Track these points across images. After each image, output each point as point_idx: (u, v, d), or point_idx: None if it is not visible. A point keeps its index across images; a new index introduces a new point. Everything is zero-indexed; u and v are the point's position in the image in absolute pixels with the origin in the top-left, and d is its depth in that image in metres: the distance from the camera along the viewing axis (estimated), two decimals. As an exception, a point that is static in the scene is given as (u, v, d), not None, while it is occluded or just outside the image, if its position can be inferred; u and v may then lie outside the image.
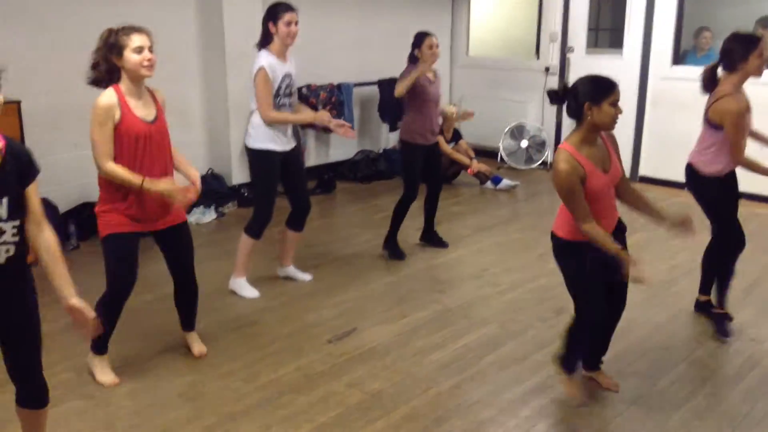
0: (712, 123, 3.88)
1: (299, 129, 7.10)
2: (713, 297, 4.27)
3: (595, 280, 3.14)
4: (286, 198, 4.68)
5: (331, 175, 7.54)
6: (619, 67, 7.58)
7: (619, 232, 3.21)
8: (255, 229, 4.54)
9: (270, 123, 4.34)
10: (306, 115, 4.61)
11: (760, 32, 6.91)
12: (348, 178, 7.79)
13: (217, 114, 6.71)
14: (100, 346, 3.56)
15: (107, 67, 3.29)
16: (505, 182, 7.48)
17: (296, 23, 4.32)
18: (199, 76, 6.68)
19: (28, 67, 5.41)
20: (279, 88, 4.34)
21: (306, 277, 4.92)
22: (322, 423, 3.23)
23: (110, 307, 3.46)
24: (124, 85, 3.29)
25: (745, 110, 3.83)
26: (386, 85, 7.95)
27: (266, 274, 4.94)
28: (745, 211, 6.40)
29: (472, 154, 7.74)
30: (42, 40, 5.52)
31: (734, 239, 4.08)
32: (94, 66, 3.31)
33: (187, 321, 3.88)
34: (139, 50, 3.24)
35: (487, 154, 8.44)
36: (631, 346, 3.96)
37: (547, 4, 8.38)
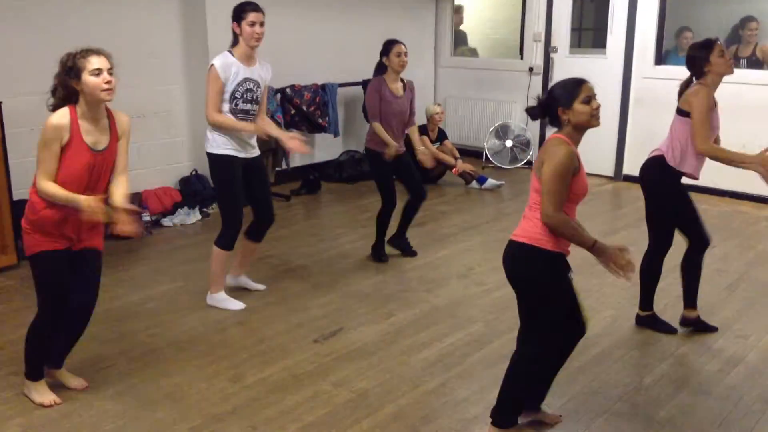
0: (682, 111, 3.94)
1: (283, 131, 7.09)
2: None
3: (567, 302, 2.95)
4: (251, 209, 4.51)
5: (316, 175, 7.53)
6: (602, 66, 7.64)
7: None
8: (225, 241, 4.35)
9: (212, 125, 4.18)
10: (248, 125, 4.22)
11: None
12: (333, 179, 7.78)
13: (201, 115, 6.56)
14: (35, 373, 3.37)
15: (66, 92, 3.13)
16: (490, 182, 7.50)
17: (261, 24, 4.13)
18: (182, 77, 6.64)
19: (10, 68, 5.37)
20: (236, 91, 4.16)
21: (259, 287, 4.73)
22: (309, 422, 3.22)
23: (44, 331, 3.30)
24: (80, 108, 3.13)
25: (714, 105, 3.89)
26: (371, 86, 7.95)
27: (251, 276, 4.91)
28: (728, 208, 6.50)
29: (457, 154, 7.75)
30: (25, 40, 5.47)
31: (666, 245, 4.12)
32: (53, 91, 3.17)
33: (62, 356, 3.51)
34: (98, 72, 3.06)
35: (472, 153, 8.46)
36: (616, 344, 3.98)
37: (530, 4, 8.41)
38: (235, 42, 4.22)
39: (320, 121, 7.52)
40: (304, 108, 7.35)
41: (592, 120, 2.87)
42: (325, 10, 7.70)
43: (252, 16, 4.11)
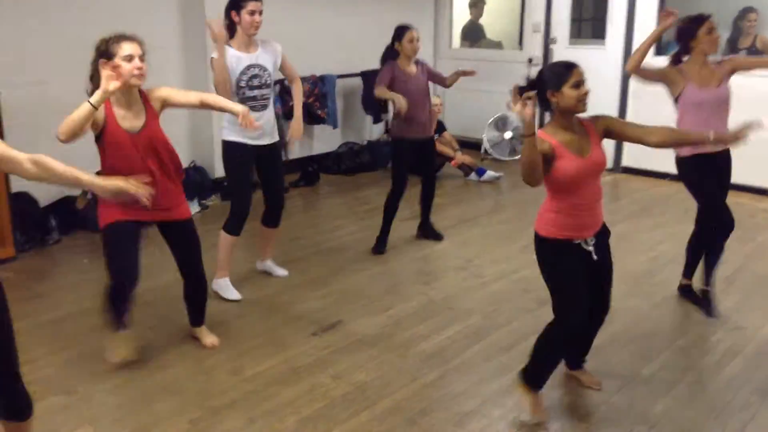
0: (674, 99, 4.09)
1: (282, 122, 7.09)
2: (698, 280, 4.36)
3: (578, 281, 3.05)
4: (263, 195, 4.60)
5: (314, 167, 7.52)
6: (601, 57, 7.62)
7: (602, 235, 3.12)
8: (232, 226, 4.41)
9: (217, 85, 4.20)
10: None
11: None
12: (332, 171, 7.77)
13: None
14: (113, 325, 3.55)
15: (99, 77, 3.15)
16: (489, 174, 7.49)
17: (260, 13, 4.19)
18: (180, 68, 6.62)
19: (8, 59, 5.34)
20: (240, 80, 4.21)
21: (282, 272, 4.84)
22: (307, 415, 3.22)
23: (116, 299, 3.45)
24: (113, 94, 3.20)
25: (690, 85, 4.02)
26: (370, 77, 7.88)
27: (250, 267, 4.91)
28: (727, 200, 6.48)
29: (456, 146, 7.74)
30: (24, 33, 5.44)
31: (717, 220, 4.13)
32: (92, 77, 3.26)
33: (194, 316, 3.87)
34: (129, 59, 3.19)
35: (470, 145, 8.44)
36: (615, 336, 3.98)
37: (529, -5, 8.39)
38: (231, 33, 4.23)
39: (319, 112, 7.50)
40: (303, 99, 7.32)
41: (579, 105, 2.91)
42: (323, 2, 7.67)
43: (251, 5, 4.15)
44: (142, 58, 3.25)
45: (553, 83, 2.90)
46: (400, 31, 5.08)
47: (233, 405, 3.30)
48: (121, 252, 3.39)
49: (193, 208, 6.29)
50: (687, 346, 3.91)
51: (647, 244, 5.44)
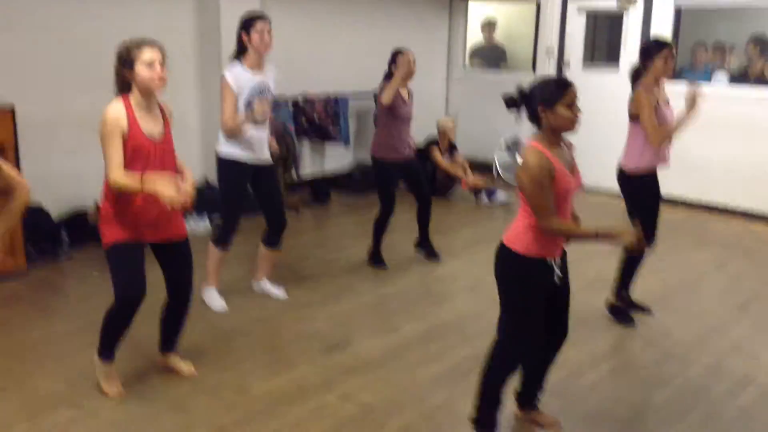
0: (631, 116, 4.22)
1: (295, 141, 7.13)
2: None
3: (541, 311, 2.95)
4: (263, 215, 4.61)
5: (326, 186, 7.52)
6: (615, 82, 7.60)
7: (564, 255, 3.04)
8: (218, 239, 4.51)
9: (229, 135, 4.28)
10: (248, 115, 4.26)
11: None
12: (343, 190, 7.77)
13: (213, 123, 6.68)
14: (105, 353, 3.48)
15: (120, 81, 3.24)
16: (501, 196, 7.48)
17: (269, 32, 4.32)
18: (195, 84, 6.67)
19: (24, 72, 5.39)
20: (251, 101, 4.28)
21: (279, 293, 4.78)
22: (314, 436, 3.20)
23: (117, 319, 3.40)
24: (133, 97, 3.22)
25: (658, 104, 4.15)
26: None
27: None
28: (740, 228, 6.45)
29: (467, 168, 7.73)
30: (39, 45, 5.49)
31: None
32: (116, 81, 3.27)
33: (170, 339, 3.74)
34: (150, 64, 3.16)
35: (484, 167, 8.43)
36: (627, 362, 3.95)
37: (543, 18, 8.41)
38: (243, 52, 4.33)
39: (332, 131, 7.53)
40: (316, 118, 7.36)
41: (571, 125, 2.79)
42: (337, 22, 7.72)
43: (260, 26, 4.29)
44: (162, 64, 3.21)
45: (546, 100, 2.77)
46: (398, 55, 5.18)
47: (239, 424, 3.28)
48: (128, 266, 3.32)
49: (204, 224, 6.30)
50: (700, 374, 3.86)
51: (659, 270, 5.39)
